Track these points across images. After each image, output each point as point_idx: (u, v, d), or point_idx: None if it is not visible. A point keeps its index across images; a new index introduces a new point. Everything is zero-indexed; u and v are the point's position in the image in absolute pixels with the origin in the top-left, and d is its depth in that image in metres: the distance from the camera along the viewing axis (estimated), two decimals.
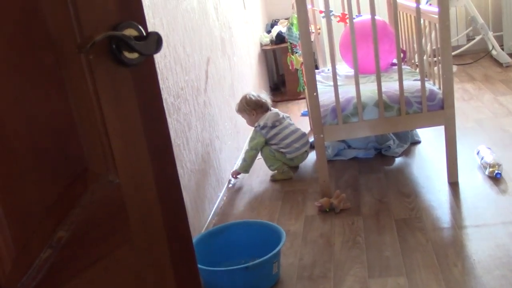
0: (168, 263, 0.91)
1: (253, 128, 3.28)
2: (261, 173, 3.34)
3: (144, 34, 0.81)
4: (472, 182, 2.72)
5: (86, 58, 0.74)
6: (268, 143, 3.20)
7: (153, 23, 2.19)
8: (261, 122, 3.22)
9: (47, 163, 0.70)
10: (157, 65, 2.18)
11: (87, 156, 0.75)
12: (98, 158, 0.77)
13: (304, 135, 3.28)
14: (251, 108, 3.27)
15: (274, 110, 3.32)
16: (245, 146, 3.70)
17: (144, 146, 0.84)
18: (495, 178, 2.68)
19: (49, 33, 0.71)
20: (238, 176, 3.24)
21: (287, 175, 3.20)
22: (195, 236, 2.28)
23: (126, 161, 0.81)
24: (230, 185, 3.18)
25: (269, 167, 3.24)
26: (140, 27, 0.81)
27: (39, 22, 0.70)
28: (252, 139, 3.24)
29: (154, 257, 0.88)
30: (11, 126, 0.67)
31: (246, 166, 3.20)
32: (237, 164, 3.47)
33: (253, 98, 3.28)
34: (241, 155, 3.52)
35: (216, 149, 3.02)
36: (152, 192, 0.86)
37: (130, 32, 0.79)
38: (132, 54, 0.79)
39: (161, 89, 2.18)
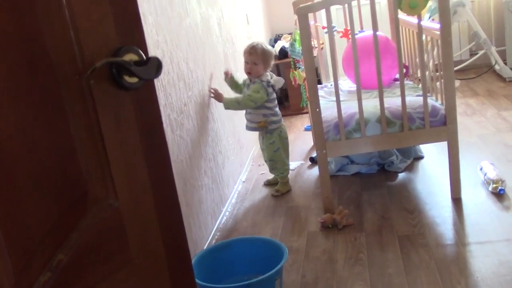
0: (168, 286, 0.91)
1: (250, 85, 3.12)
2: (264, 189, 3.34)
3: (145, 58, 0.82)
4: (476, 198, 2.71)
5: (86, 82, 0.75)
6: (264, 103, 3.10)
7: (156, 40, 2.21)
8: (270, 80, 3.11)
9: (47, 187, 0.71)
10: (160, 82, 2.19)
11: (87, 180, 0.76)
12: (98, 181, 0.78)
13: None
14: (266, 58, 3.08)
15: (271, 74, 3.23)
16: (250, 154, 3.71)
17: (144, 169, 0.85)
18: (499, 194, 2.67)
19: (50, 58, 0.72)
20: (212, 95, 2.99)
21: (289, 187, 3.22)
22: (198, 252, 2.27)
23: (126, 184, 0.82)
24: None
25: (279, 174, 3.23)
26: (140, 51, 0.82)
27: (41, 47, 0.71)
28: (256, 90, 3.04)
29: (154, 279, 0.88)
30: (11, 150, 0.68)
31: (233, 107, 3.06)
32: (241, 179, 3.47)
33: (272, 51, 3.20)
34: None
35: (219, 164, 3.02)
36: (151, 216, 0.87)
37: (131, 57, 0.80)
38: (132, 78, 0.80)
39: (164, 105, 2.20)
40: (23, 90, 0.68)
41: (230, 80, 3.21)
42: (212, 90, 2.98)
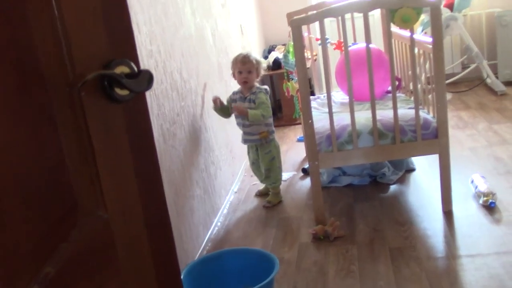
0: None
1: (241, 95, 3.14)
2: (256, 199, 3.34)
3: (136, 71, 0.83)
4: (467, 211, 2.72)
5: (77, 94, 0.75)
6: None
7: (150, 50, 2.21)
8: (267, 88, 3.16)
9: (35, 199, 0.70)
10: (153, 91, 2.19)
11: (77, 192, 0.75)
12: (87, 193, 0.77)
13: None
14: (258, 67, 3.12)
15: None
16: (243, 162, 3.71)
17: (134, 182, 0.85)
18: (489, 207, 2.68)
19: (41, 69, 0.72)
20: (236, 112, 3.07)
21: (280, 198, 3.22)
22: (189, 262, 2.26)
23: (116, 196, 0.82)
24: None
25: (274, 183, 3.22)
26: (132, 64, 0.82)
27: (32, 58, 0.71)
28: (266, 99, 3.07)
29: None
30: None
31: (258, 120, 3.05)
32: (233, 190, 3.47)
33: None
34: (244, 166, 3.53)
35: (211, 174, 3.02)
36: (141, 228, 0.86)
37: (122, 69, 0.80)
38: (123, 91, 0.80)
39: (157, 115, 2.20)
40: (12, 101, 0.68)
41: (220, 106, 3.14)
42: (235, 108, 3.02)
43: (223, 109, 3.16)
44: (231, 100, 3.19)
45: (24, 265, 0.71)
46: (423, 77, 3.16)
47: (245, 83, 3.09)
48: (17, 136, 0.66)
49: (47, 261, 0.72)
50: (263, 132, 3.13)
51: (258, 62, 3.12)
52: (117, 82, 0.79)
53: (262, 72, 3.19)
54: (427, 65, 2.87)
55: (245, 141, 3.22)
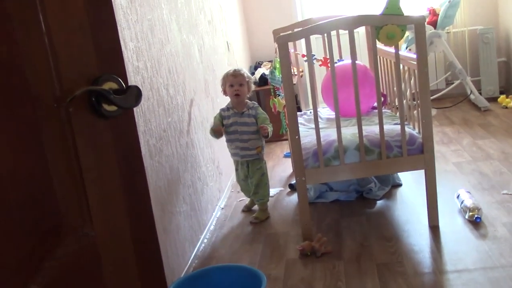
0: None
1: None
2: (243, 215, 3.33)
3: (124, 87, 0.82)
4: (453, 226, 2.73)
5: (65, 110, 0.74)
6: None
7: (137, 66, 2.21)
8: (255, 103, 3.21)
9: (20, 216, 0.69)
10: (140, 108, 2.18)
11: (62, 209, 0.74)
12: (73, 210, 0.76)
13: None
14: (249, 81, 3.15)
15: None
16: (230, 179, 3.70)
17: (121, 198, 0.84)
18: (475, 222, 2.70)
19: (28, 85, 0.71)
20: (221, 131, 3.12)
21: (267, 214, 3.22)
22: (175, 280, 2.24)
23: (103, 213, 0.81)
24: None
25: (262, 199, 3.22)
26: (120, 80, 0.82)
27: (18, 75, 0.71)
28: (268, 119, 3.13)
29: None
30: None
31: (220, 134, 3.11)
32: (219, 206, 3.45)
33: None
34: (229, 186, 3.52)
35: (198, 190, 3.01)
36: (128, 245, 0.85)
37: (110, 85, 0.80)
38: (111, 107, 0.80)
39: (143, 131, 2.19)
40: None
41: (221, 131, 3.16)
42: (261, 127, 3.06)
43: (217, 132, 3.14)
44: (223, 117, 3.17)
45: (8, 283, 0.70)
46: (408, 93, 3.20)
47: (237, 96, 3.09)
48: (0, 152, 0.65)
49: (31, 280, 0.71)
50: (259, 147, 3.14)
51: (249, 77, 3.15)
52: (105, 98, 0.78)
53: (253, 87, 3.20)
54: (412, 82, 2.90)
55: (242, 157, 3.19)
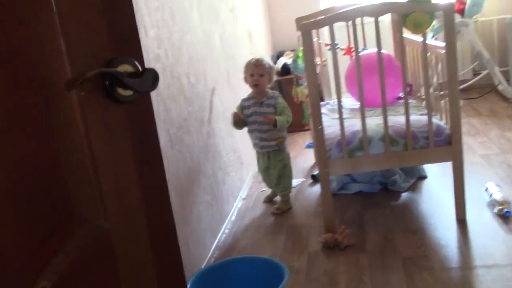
0: None
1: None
2: (264, 206, 3.28)
3: (140, 70, 0.77)
4: (481, 219, 2.65)
5: (77, 94, 0.70)
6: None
7: (157, 54, 2.17)
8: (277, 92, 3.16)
9: (29, 207, 0.65)
10: (160, 96, 2.15)
11: (74, 199, 0.70)
12: (86, 201, 0.72)
13: None
14: (271, 71, 3.10)
15: None
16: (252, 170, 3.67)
17: (137, 188, 0.79)
18: (504, 217, 2.61)
19: (36, 67, 0.67)
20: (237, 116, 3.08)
21: (289, 205, 3.17)
22: (196, 271, 2.21)
23: (117, 204, 0.76)
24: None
25: (284, 190, 3.18)
26: (136, 63, 0.77)
27: (26, 56, 0.67)
28: (288, 109, 3.06)
29: None
30: None
31: (284, 126, 3.04)
32: (241, 196, 3.41)
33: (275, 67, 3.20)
34: (248, 180, 3.49)
35: (219, 180, 2.97)
36: (144, 238, 0.81)
37: (125, 68, 0.75)
38: (126, 91, 0.75)
39: (164, 120, 2.15)
40: (4, 102, 0.63)
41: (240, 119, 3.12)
42: (265, 117, 2.98)
43: (241, 121, 3.11)
44: (243, 107, 3.14)
45: (17, 278, 0.66)
46: (434, 80, 3.10)
47: (256, 86, 3.05)
48: (9, 139, 0.61)
49: (41, 274, 0.67)
50: (279, 138, 3.09)
51: (271, 67, 3.09)
52: (119, 81, 0.74)
53: (275, 78, 3.15)
54: (439, 69, 2.80)
55: (263, 147, 3.14)
